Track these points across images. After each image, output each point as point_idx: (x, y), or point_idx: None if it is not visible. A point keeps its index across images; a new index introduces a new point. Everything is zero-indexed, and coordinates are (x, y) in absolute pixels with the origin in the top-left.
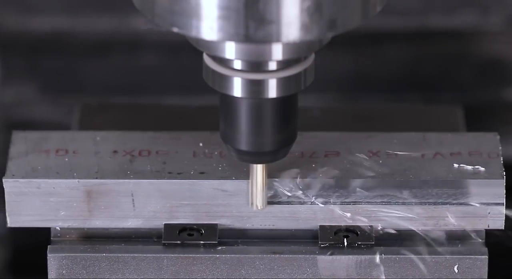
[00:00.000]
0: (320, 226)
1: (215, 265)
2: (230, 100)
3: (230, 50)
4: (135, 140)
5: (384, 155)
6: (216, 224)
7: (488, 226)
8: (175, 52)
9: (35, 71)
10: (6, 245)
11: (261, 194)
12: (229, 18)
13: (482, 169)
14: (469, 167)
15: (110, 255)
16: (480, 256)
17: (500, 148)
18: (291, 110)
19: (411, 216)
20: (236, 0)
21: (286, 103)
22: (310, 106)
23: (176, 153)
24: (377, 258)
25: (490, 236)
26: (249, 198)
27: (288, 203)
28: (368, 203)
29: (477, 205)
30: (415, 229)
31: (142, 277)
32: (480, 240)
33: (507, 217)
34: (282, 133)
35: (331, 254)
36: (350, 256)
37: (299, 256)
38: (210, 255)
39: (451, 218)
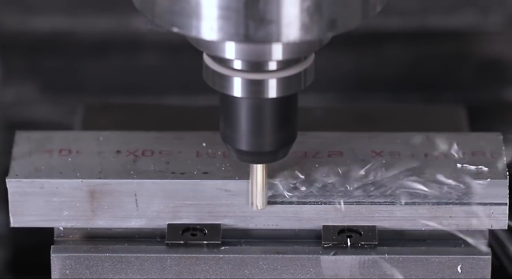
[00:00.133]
0: (324, 226)
1: (219, 265)
2: (230, 100)
3: (230, 50)
4: (138, 140)
5: (388, 155)
6: (219, 224)
7: (492, 226)
8: (175, 52)
9: (35, 71)
10: (6, 245)
11: (261, 194)
12: (229, 18)
13: (486, 169)
14: (472, 167)
15: (114, 255)
16: (483, 256)
17: (503, 147)
18: (291, 110)
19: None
20: (236, 0)
21: (286, 103)
22: (313, 107)
23: (180, 153)
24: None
25: None
26: (249, 198)
27: (290, 203)
28: (371, 203)
29: (480, 205)
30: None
31: (145, 277)
32: (484, 241)
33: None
34: (282, 133)
35: (334, 254)
36: (354, 256)
37: (303, 256)
38: (214, 255)
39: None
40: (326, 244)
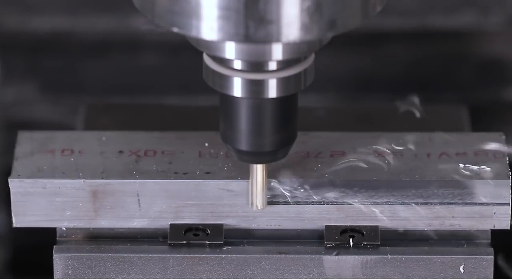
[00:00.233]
0: (326, 226)
1: (221, 265)
2: (230, 100)
3: (230, 50)
4: (141, 140)
5: (390, 155)
6: (222, 224)
7: (494, 226)
8: (175, 52)
9: (35, 71)
10: (6, 245)
11: (261, 194)
12: (229, 18)
13: (488, 169)
14: (475, 167)
15: (116, 255)
16: (486, 256)
17: (506, 147)
18: (291, 110)
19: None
20: (236, 0)
21: (286, 103)
22: (314, 107)
23: (182, 153)
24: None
25: None
26: (249, 198)
27: (293, 203)
28: (374, 203)
29: (483, 205)
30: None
31: (148, 277)
32: (486, 241)
33: None
34: (282, 133)
35: (337, 254)
36: (356, 256)
37: (305, 256)
38: (216, 255)
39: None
40: (328, 244)
